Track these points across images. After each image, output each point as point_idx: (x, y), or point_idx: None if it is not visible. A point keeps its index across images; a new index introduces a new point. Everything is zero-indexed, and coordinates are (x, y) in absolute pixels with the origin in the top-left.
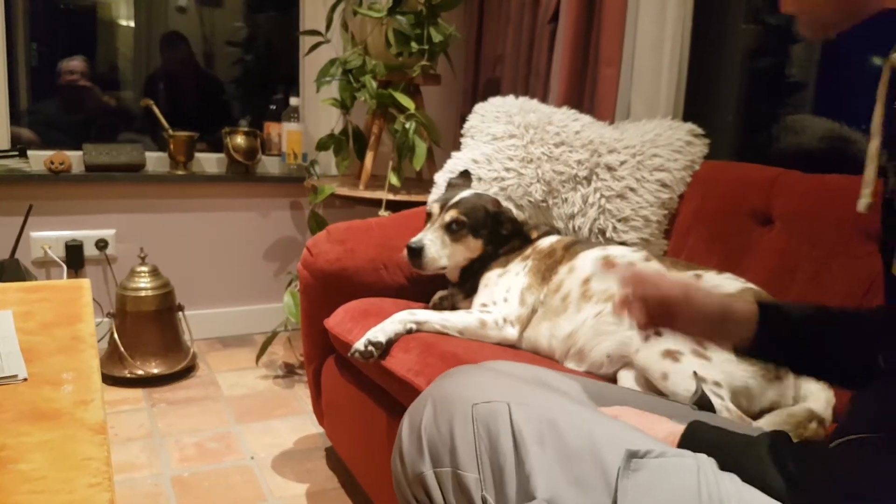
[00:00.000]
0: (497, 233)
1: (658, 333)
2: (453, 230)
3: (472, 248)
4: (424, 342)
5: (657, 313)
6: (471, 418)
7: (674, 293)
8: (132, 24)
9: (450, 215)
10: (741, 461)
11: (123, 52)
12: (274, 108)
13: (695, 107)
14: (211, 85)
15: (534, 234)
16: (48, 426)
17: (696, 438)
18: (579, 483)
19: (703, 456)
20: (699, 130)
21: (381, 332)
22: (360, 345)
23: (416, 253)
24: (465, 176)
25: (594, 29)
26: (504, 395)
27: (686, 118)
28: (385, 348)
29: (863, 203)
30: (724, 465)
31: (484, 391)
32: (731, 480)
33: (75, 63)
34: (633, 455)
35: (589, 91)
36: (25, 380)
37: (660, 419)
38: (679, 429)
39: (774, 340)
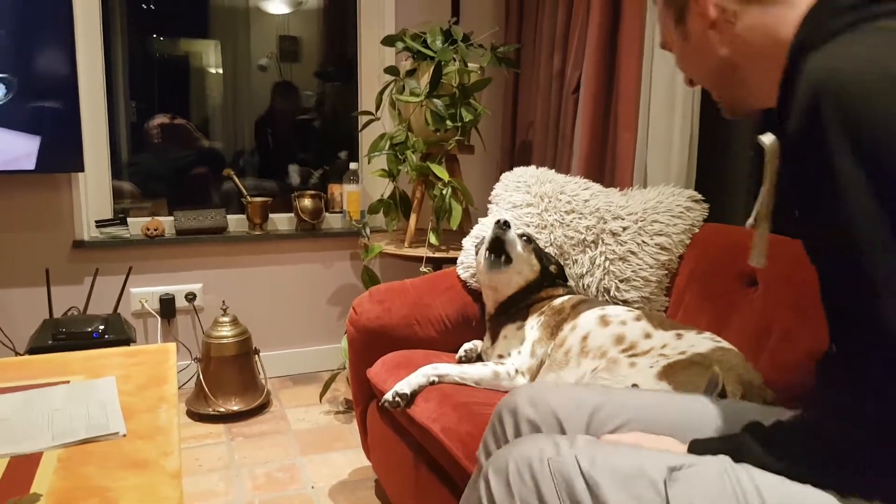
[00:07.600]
0: (546, 268)
1: (636, 386)
2: (525, 241)
3: (533, 266)
4: (443, 393)
5: None
6: (548, 470)
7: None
8: (221, 73)
9: (520, 230)
10: (742, 458)
11: (212, 106)
12: (337, 168)
13: (706, 166)
14: (300, 135)
15: (570, 282)
16: (140, 472)
17: (699, 451)
18: (639, 498)
19: (721, 456)
20: (699, 196)
21: (406, 384)
22: (388, 395)
23: (505, 225)
24: None
25: (612, 98)
26: (571, 449)
27: (699, 177)
28: (410, 398)
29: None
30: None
31: (553, 449)
32: (746, 469)
33: (166, 119)
34: (672, 468)
35: (610, 153)
36: (125, 435)
37: (666, 439)
38: (683, 447)
39: None
